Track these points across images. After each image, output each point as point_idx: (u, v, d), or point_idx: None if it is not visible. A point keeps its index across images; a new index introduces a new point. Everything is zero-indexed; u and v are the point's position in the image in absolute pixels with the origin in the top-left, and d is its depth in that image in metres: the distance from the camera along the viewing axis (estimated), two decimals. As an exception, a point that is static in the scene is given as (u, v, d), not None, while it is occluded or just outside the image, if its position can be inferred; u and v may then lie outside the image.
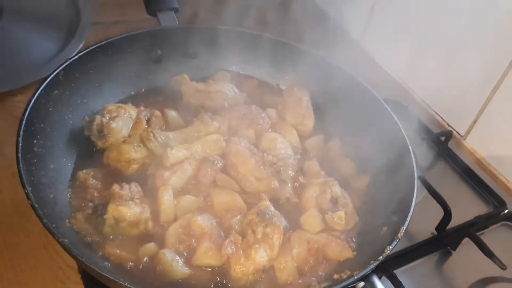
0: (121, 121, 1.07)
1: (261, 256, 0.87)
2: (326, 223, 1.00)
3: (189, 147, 1.07)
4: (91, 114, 1.10)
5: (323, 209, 1.02)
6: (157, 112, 1.16)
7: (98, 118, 1.06)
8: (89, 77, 1.11)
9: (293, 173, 1.10)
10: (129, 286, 0.70)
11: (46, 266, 1.00)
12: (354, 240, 1.00)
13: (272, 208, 0.95)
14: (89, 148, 1.08)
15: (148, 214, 0.94)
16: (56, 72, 1.01)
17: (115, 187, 0.94)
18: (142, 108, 1.15)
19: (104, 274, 0.71)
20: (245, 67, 1.37)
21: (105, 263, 0.87)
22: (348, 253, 0.96)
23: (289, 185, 1.07)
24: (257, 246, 0.87)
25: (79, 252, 0.75)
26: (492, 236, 1.22)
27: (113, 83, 1.16)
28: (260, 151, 1.11)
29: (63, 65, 1.03)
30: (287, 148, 1.14)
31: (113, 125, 1.06)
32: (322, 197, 1.03)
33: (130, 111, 1.11)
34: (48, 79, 0.99)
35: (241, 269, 0.86)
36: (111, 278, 0.70)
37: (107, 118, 1.06)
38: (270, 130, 1.20)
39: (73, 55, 1.07)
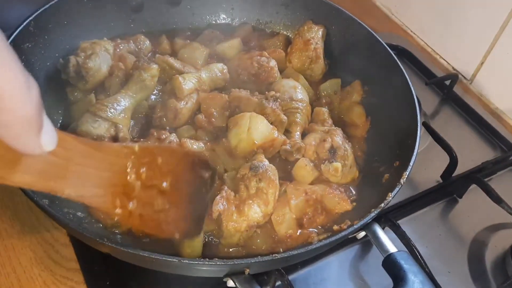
0: (97, 58, 0.99)
1: (254, 212, 0.82)
2: (321, 174, 0.95)
3: (198, 76, 1.02)
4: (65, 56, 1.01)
5: (320, 159, 0.96)
6: (141, 37, 1.10)
7: (72, 59, 0.98)
8: (64, 28, 1.02)
9: (301, 121, 1.03)
10: (112, 245, 0.65)
11: (33, 229, 0.96)
12: (353, 192, 0.95)
13: (267, 162, 0.89)
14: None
15: None
16: (26, 22, 0.92)
17: None
18: (119, 41, 1.07)
19: (85, 234, 0.66)
20: (235, 14, 1.28)
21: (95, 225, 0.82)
22: (347, 206, 0.90)
23: (298, 133, 1.00)
24: (250, 201, 0.82)
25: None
26: (500, 182, 1.17)
27: (90, 34, 1.07)
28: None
29: (34, 15, 0.94)
30: (296, 93, 1.06)
31: (90, 63, 0.98)
32: (321, 145, 0.96)
33: (106, 45, 1.03)
34: (18, 30, 0.90)
35: (234, 225, 0.81)
36: (93, 238, 0.65)
37: (82, 57, 0.98)
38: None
39: (45, 4, 0.98)
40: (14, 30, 0.90)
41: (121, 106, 0.94)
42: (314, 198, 0.89)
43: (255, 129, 0.90)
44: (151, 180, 0.63)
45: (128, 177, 0.60)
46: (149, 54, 1.13)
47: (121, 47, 1.06)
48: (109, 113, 0.91)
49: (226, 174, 0.90)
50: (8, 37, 0.89)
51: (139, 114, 1.01)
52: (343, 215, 0.90)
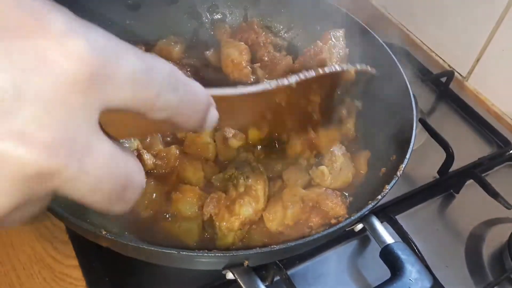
0: None
1: (245, 209, 0.82)
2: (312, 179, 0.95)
3: None
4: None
5: (310, 164, 0.97)
6: None
7: None
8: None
9: None
10: (111, 237, 0.65)
11: (31, 226, 0.96)
12: (347, 196, 0.95)
13: (252, 159, 0.90)
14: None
15: None
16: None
17: None
18: None
19: (83, 227, 0.66)
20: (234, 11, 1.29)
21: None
22: (341, 211, 0.89)
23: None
24: (240, 200, 0.83)
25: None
26: (497, 177, 1.18)
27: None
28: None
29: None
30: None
31: None
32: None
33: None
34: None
35: (226, 225, 0.81)
36: (91, 230, 0.65)
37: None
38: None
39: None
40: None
41: None
42: (311, 206, 0.88)
43: None
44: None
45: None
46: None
47: None
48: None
49: (214, 177, 0.91)
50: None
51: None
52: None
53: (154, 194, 0.89)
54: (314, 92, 0.72)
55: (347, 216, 0.86)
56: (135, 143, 0.89)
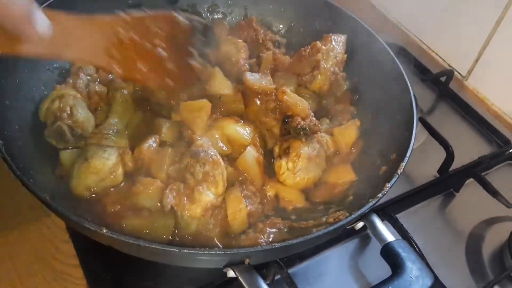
0: (78, 108, 0.93)
1: (205, 195, 0.82)
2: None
3: None
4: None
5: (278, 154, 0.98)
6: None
7: (63, 126, 0.91)
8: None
9: None
10: (111, 235, 0.65)
11: (32, 226, 0.96)
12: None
13: (206, 147, 0.89)
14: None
15: None
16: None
17: None
18: (81, 79, 1.00)
19: (85, 225, 0.66)
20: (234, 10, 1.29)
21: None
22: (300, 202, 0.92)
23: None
24: (199, 187, 0.82)
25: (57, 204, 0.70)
26: (497, 176, 1.19)
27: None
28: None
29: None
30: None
31: (78, 117, 0.92)
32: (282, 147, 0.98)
33: (71, 92, 0.95)
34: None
35: (188, 213, 0.82)
36: (91, 228, 0.65)
37: (65, 117, 0.91)
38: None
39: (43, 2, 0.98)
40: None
41: (117, 129, 0.94)
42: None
43: None
44: (146, 40, 0.79)
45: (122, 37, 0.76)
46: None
47: (88, 84, 1.01)
48: (112, 138, 0.91)
49: (170, 168, 0.89)
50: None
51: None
52: (341, 205, 0.91)
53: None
54: (155, 36, 0.82)
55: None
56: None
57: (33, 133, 0.92)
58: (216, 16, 1.28)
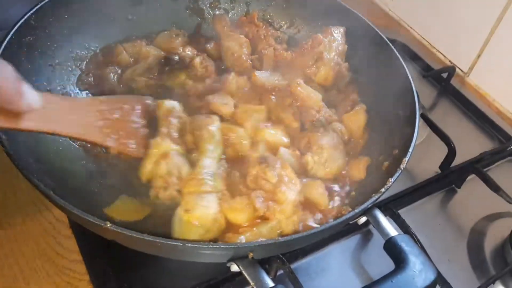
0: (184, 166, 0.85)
1: (289, 194, 0.81)
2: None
3: None
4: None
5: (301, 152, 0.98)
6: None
7: (172, 195, 0.83)
8: (64, 22, 1.02)
9: None
10: (115, 229, 0.65)
11: (35, 221, 0.96)
12: (337, 188, 0.94)
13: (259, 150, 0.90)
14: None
15: None
16: (27, 16, 0.93)
17: None
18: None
19: (88, 218, 0.66)
20: (235, 6, 1.29)
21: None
22: (323, 203, 0.88)
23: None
24: (279, 189, 0.81)
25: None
26: (498, 172, 1.19)
27: (91, 28, 1.08)
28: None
29: (34, 9, 0.95)
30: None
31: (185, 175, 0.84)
32: (301, 142, 0.98)
33: (172, 143, 0.87)
34: (19, 23, 0.91)
35: (282, 216, 0.80)
36: (95, 222, 0.65)
37: (175, 180, 0.83)
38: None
39: (45, -1, 0.98)
40: (16, 22, 0.91)
41: (211, 170, 0.84)
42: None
43: None
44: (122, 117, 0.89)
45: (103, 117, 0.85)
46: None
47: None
48: (209, 183, 0.81)
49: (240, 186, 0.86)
50: (9, 30, 0.90)
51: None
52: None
53: None
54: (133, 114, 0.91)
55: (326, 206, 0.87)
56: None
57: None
58: (218, 12, 1.28)
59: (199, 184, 0.79)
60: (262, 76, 1.03)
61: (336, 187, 0.93)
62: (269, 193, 0.81)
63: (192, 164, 0.86)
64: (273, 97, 1.02)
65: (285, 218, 0.80)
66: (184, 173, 0.84)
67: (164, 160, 0.83)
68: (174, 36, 1.18)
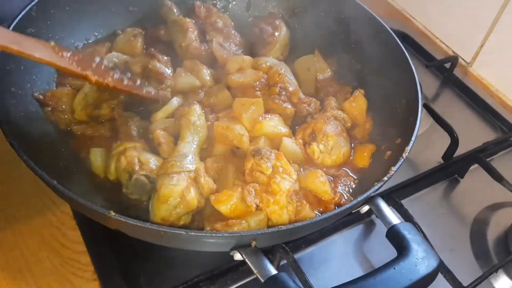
0: (145, 154, 0.90)
1: (283, 184, 0.81)
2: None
3: None
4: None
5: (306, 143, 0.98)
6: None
7: (138, 179, 0.86)
8: (65, 14, 1.02)
9: None
10: (119, 218, 0.65)
11: (39, 213, 0.97)
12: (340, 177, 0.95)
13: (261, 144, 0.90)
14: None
15: None
16: (28, 7, 0.93)
17: None
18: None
19: (93, 208, 0.67)
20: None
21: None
22: (325, 192, 0.88)
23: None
24: (274, 180, 0.82)
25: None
26: (501, 162, 1.19)
27: (92, 19, 1.08)
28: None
29: (36, 0, 0.95)
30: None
31: (147, 162, 0.88)
32: (306, 131, 0.99)
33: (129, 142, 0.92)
34: (21, 15, 0.91)
35: (275, 207, 0.80)
36: (99, 211, 0.66)
37: (137, 168, 0.87)
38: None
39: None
40: (18, 14, 0.91)
41: (187, 156, 0.87)
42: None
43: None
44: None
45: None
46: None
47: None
48: (178, 165, 0.84)
49: (236, 181, 0.87)
50: (11, 22, 0.90)
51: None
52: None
53: None
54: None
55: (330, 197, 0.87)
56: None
57: (37, 120, 0.93)
58: (219, 5, 1.27)
59: (169, 166, 0.84)
60: (235, 77, 1.03)
61: (339, 176, 0.93)
62: (264, 186, 0.82)
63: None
64: (258, 92, 1.01)
65: (279, 209, 0.80)
66: (149, 160, 0.88)
67: (123, 155, 0.89)
68: (132, 38, 1.13)
